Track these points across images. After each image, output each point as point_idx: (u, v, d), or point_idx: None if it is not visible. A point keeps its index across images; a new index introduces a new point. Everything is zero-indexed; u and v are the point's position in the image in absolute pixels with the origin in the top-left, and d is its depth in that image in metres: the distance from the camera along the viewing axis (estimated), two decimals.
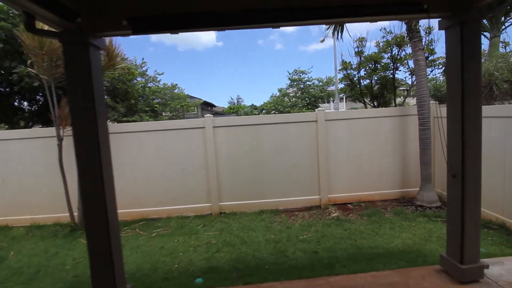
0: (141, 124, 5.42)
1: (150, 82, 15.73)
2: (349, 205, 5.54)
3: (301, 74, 24.65)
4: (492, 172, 4.27)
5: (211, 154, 5.28)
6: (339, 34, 6.56)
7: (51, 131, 4.93)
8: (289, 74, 25.30)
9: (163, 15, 2.22)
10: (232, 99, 40.11)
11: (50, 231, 5.02)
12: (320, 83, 24.20)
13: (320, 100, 23.78)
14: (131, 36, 2.31)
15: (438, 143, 5.45)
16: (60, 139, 4.76)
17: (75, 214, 4.95)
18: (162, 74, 16.34)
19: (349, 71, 8.59)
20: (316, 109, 5.42)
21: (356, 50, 8.04)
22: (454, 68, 2.57)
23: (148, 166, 5.31)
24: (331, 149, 5.47)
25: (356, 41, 7.98)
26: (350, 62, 8.41)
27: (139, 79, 15.66)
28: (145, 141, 5.27)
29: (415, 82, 4.97)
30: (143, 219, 5.38)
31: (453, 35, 2.56)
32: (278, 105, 21.73)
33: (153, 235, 4.70)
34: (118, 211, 2.33)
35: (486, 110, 4.48)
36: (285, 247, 3.99)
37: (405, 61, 7.72)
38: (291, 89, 25.44)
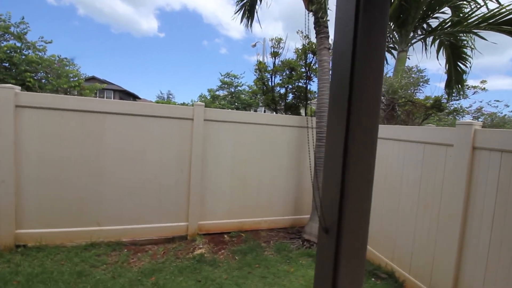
0: None
1: (29, 49, 12.00)
2: (225, 236, 4.20)
3: (233, 78, 23.58)
4: (385, 206, 3.52)
5: (8, 151, 3.21)
6: (249, 22, 5.39)
7: None
8: (221, 76, 23.98)
9: None
10: (162, 93, 36.05)
11: None
12: (251, 90, 23.54)
13: (250, 107, 23.07)
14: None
15: None
16: None
17: None
18: (50, 42, 12.71)
19: (263, 74, 7.58)
20: (194, 103, 3.96)
21: (272, 50, 7.08)
22: (341, 39, 1.39)
23: None
24: (210, 161, 4.07)
25: (272, 40, 7.02)
26: (265, 63, 7.41)
27: (13, 42, 11.80)
28: None
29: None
30: None
31: None
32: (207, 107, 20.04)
33: None
34: None
35: (384, 130, 3.79)
36: None
37: None
38: (221, 91, 24.07)
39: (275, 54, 7.07)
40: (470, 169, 2.45)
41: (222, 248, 3.89)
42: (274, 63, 7.12)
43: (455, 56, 4.51)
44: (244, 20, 5.47)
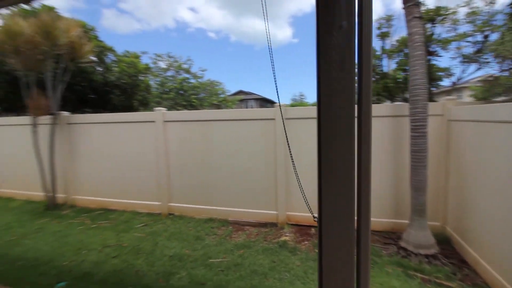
0: (91, 116, 5.43)
1: (194, 78, 16.57)
2: (312, 229, 4.31)
3: None
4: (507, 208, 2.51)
5: (161, 151, 4.93)
6: None
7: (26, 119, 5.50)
8: None
9: None
10: (295, 95, 38.80)
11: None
12: None
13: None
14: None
15: (438, 158, 3.67)
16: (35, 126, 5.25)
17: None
18: (205, 70, 17.03)
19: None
20: (274, 104, 4.37)
21: (379, 32, 6.28)
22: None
23: (103, 158, 5.36)
24: (292, 154, 4.34)
25: (376, 20, 6.22)
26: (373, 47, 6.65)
27: (184, 75, 16.70)
28: (98, 133, 5.34)
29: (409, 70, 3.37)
30: (103, 209, 5.50)
31: None
32: None
33: (94, 226, 4.71)
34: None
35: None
36: (179, 269, 3.32)
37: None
38: None
39: (383, 35, 6.22)
40: None
41: (306, 240, 4.06)
42: (382, 46, 6.27)
43: None
44: None
